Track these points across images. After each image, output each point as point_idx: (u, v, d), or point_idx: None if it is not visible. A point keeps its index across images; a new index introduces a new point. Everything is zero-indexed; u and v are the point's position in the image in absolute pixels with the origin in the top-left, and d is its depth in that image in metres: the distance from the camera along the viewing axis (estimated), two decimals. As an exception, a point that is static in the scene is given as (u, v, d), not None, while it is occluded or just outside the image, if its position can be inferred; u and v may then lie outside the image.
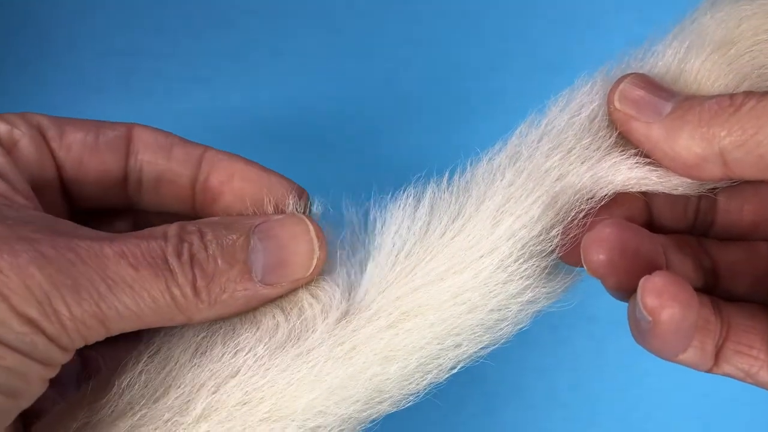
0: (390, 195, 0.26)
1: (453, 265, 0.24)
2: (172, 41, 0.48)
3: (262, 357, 0.24)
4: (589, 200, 0.24)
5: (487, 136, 0.26)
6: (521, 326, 0.25)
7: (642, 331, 0.22)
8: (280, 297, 0.25)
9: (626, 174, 0.24)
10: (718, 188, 0.25)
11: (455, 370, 0.25)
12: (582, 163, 0.24)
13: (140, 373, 0.24)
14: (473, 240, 0.24)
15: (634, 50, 0.25)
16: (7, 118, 0.25)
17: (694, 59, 0.24)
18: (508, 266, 0.24)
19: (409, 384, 0.25)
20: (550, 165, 0.24)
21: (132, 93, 0.46)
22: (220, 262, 0.23)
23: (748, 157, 0.21)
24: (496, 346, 0.25)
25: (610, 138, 0.24)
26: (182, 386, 0.24)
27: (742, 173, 0.22)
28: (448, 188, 0.25)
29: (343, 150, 0.45)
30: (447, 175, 0.25)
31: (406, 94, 0.47)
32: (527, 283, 0.24)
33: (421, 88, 0.47)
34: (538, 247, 0.24)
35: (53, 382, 0.23)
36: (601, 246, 0.22)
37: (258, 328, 0.24)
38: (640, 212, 0.25)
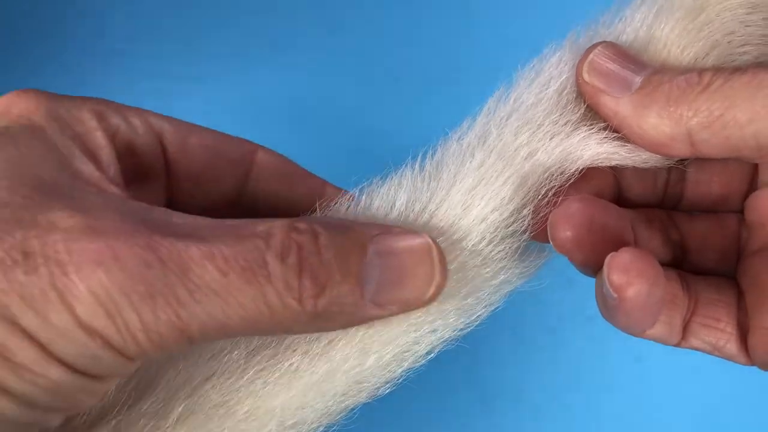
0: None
1: None
2: (172, 41, 0.48)
3: (238, 360, 0.23)
4: (559, 177, 0.24)
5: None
6: (495, 307, 0.24)
7: (609, 308, 0.22)
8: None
9: (595, 149, 0.24)
10: (687, 161, 0.25)
11: (432, 355, 0.24)
12: (551, 138, 0.24)
13: None
14: (445, 226, 0.24)
15: (602, 15, 0.25)
16: (130, 118, 0.24)
17: (663, 25, 0.24)
18: (482, 250, 0.23)
19: (386, 373, 0.24)
20: (520, 143, 0.24)
21: (132, 93, 0.46)
22: (334, 270, 0.20)
23: (714, 138, 0.21)
24: (472, 328, 0.24)
25: (578, 111, 0.24)
26: (157, 391, 0.23)
27: (708, 152, 0.22)
28: (420, 173, 0.24)
29: (343, 150, 0.45)
30: (419, 158, 0.24)
31: (407, 92, 0.47)
32: (501, 265, 0.24)
33: (421, 87, 0.47)
34: (510, 228, 0.24)
35: None
36: (567, 222, 0.22)
37: None
38: (609, 187, 0.25)
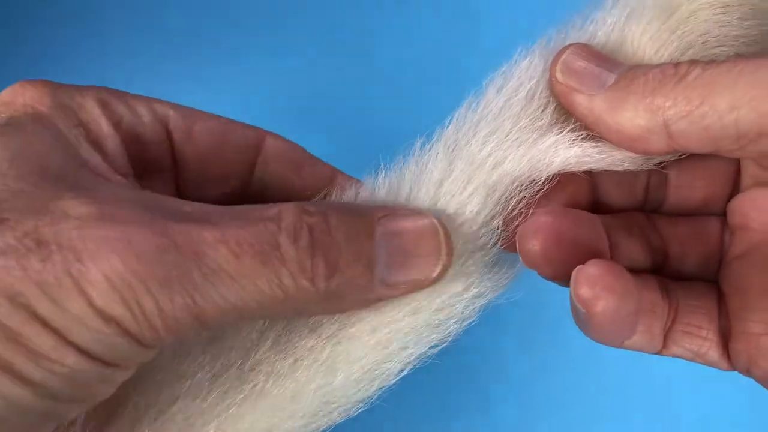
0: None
1: None
2: (172, 41, 0.48)
3: (202, 381, 0.23)
4: (530, 186, 0.23)
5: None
6: (469, 321, 0.23)
7: (581, 321, 0.21)
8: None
9: (565, 153, 0.23)
10: (665, 163, 0.24)
11: (404, 373, 0.23)
12: (518, 146, 0.23)
13: None
14: None
15: (573, 18, 0.24)
16: (134, 106, 0.23)
17: (635, 27, 0.23)
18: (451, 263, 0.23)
19: (357, 392, 0.23)
20: (487, 152, 0.23)
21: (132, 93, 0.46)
22: (346, 251, 0.20)
23: (692, 129, 0.20)
24: (446, 344, 0.23)
25: (548, 118, 0.23)
26: (124, 415, 0.23)
27: (687, 145, 0.21)
28: (386, 184, 0.24)
29: (344, 149, 0.45)
30: (383, 169, 0.24)
31: (407, 93, 0.47)
32: (471, 279, 0.23)
33: (422, 87, 0.47)
34: (479, 241, 0.23)
35: None
36: (534, 236, 0.22)
37: (202, 351, 0.23)
38: (584, 193, 0.24)
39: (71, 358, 0.18)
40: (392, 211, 0.22)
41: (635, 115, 0.21)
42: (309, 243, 0.20)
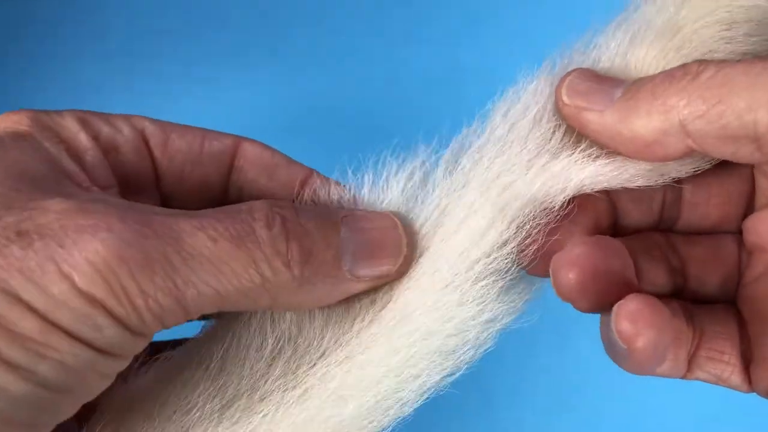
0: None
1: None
2: (171, 42, 0.48)
3: (213, 412, 0.23)
4: (548, 210, 0.23)
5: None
6: (486, 348, 0.24)
7: (617, 354, 0.21)
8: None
9: (578, 175, 0.23)
10: (681, 179, 0.24)
11: (419, 402, 0.23)
12: (528, 169, 0.23)
13: None
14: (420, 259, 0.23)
15: (577, 43, 0.24)
16: (112, 121, 0.24)
17: (639, 50, 0.23)
18: (458, 286, 0.23)
19: (370, 422, 0.23)
20: (494, 174, 0.23)
21: (132, 93, 0.46)
22: (318, 239, 0.21)
23: (710, 128, 0.20)
24: (462, 371, 0.23)
25: (556, 141, 0.23)
26: None
27: (704, 145, 0.21)
28: (389, 202, 0.24)
29: (344, 149, 0.45)
30: (378, 178, 0.24)
31: (407, 93, 0.47)
32: (484, 304, 0.23)
33: (422, 87, 0.47)
34: (491, 266, 0.23)
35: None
36: (571, 268, 0.21)
37: (211, 382, 0.23)
38: (605, 214, 0.24)
39: (57, 340, 0.18)
40: (353, 212, 0.23)
41: (649, 119, 0.21)
42: (282, 230, 0.21)
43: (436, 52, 0.47)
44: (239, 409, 0.23)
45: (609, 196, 0.24)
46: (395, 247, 0.23)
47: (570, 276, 0.21)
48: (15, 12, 0.48)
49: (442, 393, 0.24)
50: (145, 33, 0.48)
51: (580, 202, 0.23)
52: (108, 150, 0.24)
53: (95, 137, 0.23)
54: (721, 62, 0.20)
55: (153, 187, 0.25)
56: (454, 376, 0.23)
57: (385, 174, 0.24)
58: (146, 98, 0.46)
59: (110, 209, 0.19)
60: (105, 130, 0.24)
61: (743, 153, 0.21)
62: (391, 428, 0.24)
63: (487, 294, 0.23)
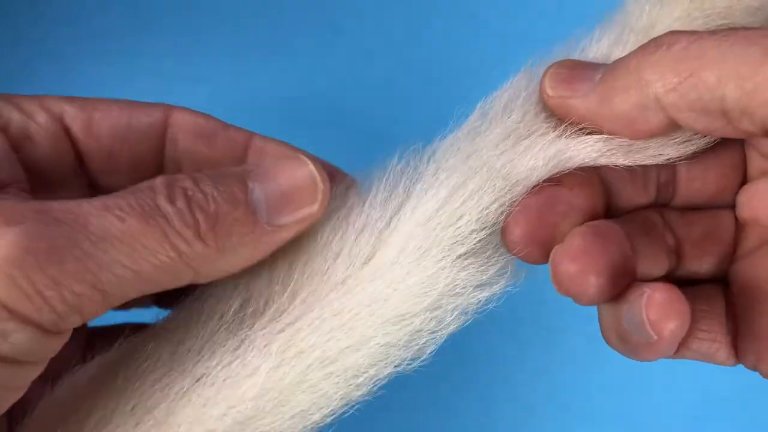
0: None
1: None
2: (171, 41, 0.48)
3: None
4: (525, 189, 0.23)
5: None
6: (466, 319, 0.23)
7: (633, 344, 0.21)
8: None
9: (570, 153, 0.23)
10: (673, 159, 0.24)
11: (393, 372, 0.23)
12: (515, 149, 0.23)
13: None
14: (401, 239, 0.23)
15: (558, 48, 0.25)
16: (25, 108, 0.23)
17: (621, 49, 0.23)
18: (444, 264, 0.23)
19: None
20: (487, 156, 0.23)
21: (132, 93, 0.46)
22: (221, 202, 0.21)
23: (682, 102, 0.20)
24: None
25: (544, 124, 0.23)
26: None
27: (679, 119, 0.21)
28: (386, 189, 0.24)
29: (344, 149, 0.45)
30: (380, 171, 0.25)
31: (408, 93, 0.47)
32: (471, 277, 0.23)
33: (423, 88, 0.47)
34: (479, 239, 0.23)
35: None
36: (571, 262, 0.21)
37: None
38: (600, 196, 0.24)
39: None
40: (259, 165, 0.23)
41: (627, 96, 0.21)
42: (185, 202, 0.20)
43: (436, 53, 0.47)
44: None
45: (602, 176, 0.24)
46: (310, 186, 0.22)
47: (571, 269, 0.21)
48: (14, 11, 0.48)
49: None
50: (145, 32, 0.48)
51: (574, 185, 0.23)
52: (19, 140, 0.22)
53: (4, 128, 0.22)
54: (694, 33, 0.20)
55: (75, 175, 0.24)
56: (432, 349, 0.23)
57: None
58: (146, 98, 0.46)
59: (4, 204, 0.18)
60: (15, 118, 0.22)
61: (716, 127, 0.20)
62: (374, 397, 0.23)
63: (474, 269, 0.23)
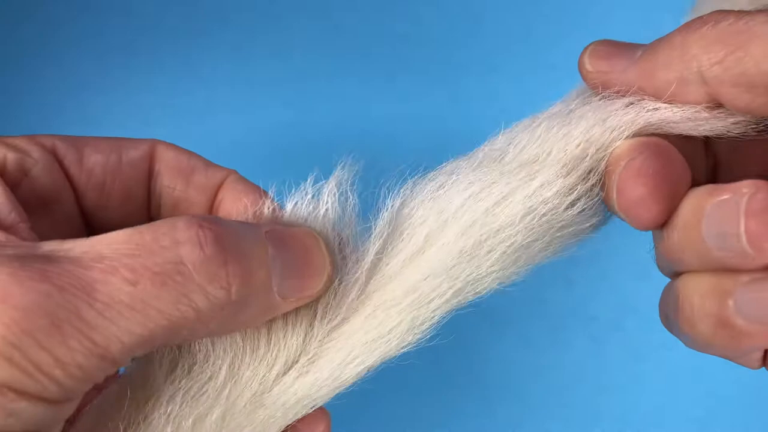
0: (386, 192, 0.24)
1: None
2: (171, 40, 0.47)
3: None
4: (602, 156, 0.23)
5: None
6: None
7: (721, 259, 0.19)
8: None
9: (628, 118, 0.22)
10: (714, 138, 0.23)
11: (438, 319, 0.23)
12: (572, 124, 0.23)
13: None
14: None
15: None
16: (18, 146, 0.22)
17: None
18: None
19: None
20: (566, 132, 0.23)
21: (132, 93, 0.46)
22: (253, 257, 0.19)
23: (726, 75, 0.20)
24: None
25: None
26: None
27: (720, 94, 0.20)
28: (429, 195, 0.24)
29: (344, 149, 0.45)
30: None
31: (408, 93, 0.47)
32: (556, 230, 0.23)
33: (423, 88, 0.47)
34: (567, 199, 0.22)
35: None
36: (638, 179, 0.21)
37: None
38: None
39: None
40: (274, 227, 0.21)
41: (668, 70, 0.21)
42: (217, 249, 0.19)
43: (437, 53, 0.47)
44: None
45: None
46: (321, 266, 0.22)
47: (640, 187, 0.21)
48: (14, 11, 0.48)
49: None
50: (145, 31, 0.48)
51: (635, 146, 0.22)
52: (18, 177, 0.22)
53: (0, 170, 0.22)
54: (741, 12, 0.20)
55: (73, 205, 0.24)
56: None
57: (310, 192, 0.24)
58: (146, 97, 0.46)
59: (2, 268, 0.17)
60: (10, 156, 0.22)
61: (758, 103, 0.20)
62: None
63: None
